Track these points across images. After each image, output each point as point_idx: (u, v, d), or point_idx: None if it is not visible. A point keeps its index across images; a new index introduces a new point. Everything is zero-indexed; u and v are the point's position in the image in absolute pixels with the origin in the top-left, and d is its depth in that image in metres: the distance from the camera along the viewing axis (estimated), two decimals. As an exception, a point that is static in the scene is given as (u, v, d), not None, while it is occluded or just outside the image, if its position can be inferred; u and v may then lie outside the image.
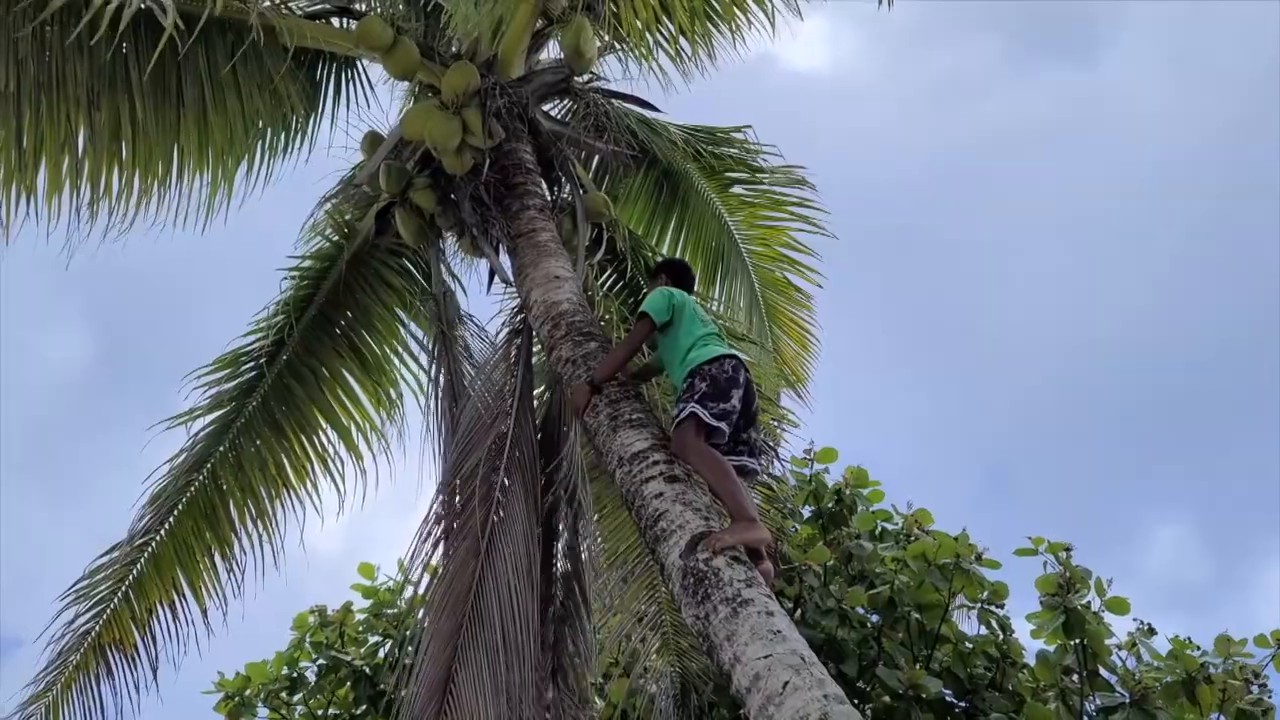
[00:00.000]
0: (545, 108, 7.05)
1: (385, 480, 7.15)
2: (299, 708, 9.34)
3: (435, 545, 5.76)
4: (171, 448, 6.87)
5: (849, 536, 8.32)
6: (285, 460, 7.06)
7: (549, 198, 6.65)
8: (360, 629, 9.46)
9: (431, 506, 6.07)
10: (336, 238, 7.09)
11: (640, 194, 7.96)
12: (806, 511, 8.74)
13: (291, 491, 7.08)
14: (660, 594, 7.02)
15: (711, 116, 7.95)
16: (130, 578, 6.72)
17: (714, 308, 7.73)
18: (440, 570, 5.70)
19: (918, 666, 7.36)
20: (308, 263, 7.07)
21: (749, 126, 7.86)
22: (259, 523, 6.99)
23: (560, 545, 6.20)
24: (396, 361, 7.27)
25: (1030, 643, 7.46)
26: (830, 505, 8.62)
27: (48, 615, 6.58)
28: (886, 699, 7.39)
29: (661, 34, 7.11)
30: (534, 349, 6.35)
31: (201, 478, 6.86)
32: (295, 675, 9.36)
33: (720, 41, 7.26)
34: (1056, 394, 29.43)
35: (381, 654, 9.19)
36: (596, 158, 7.52)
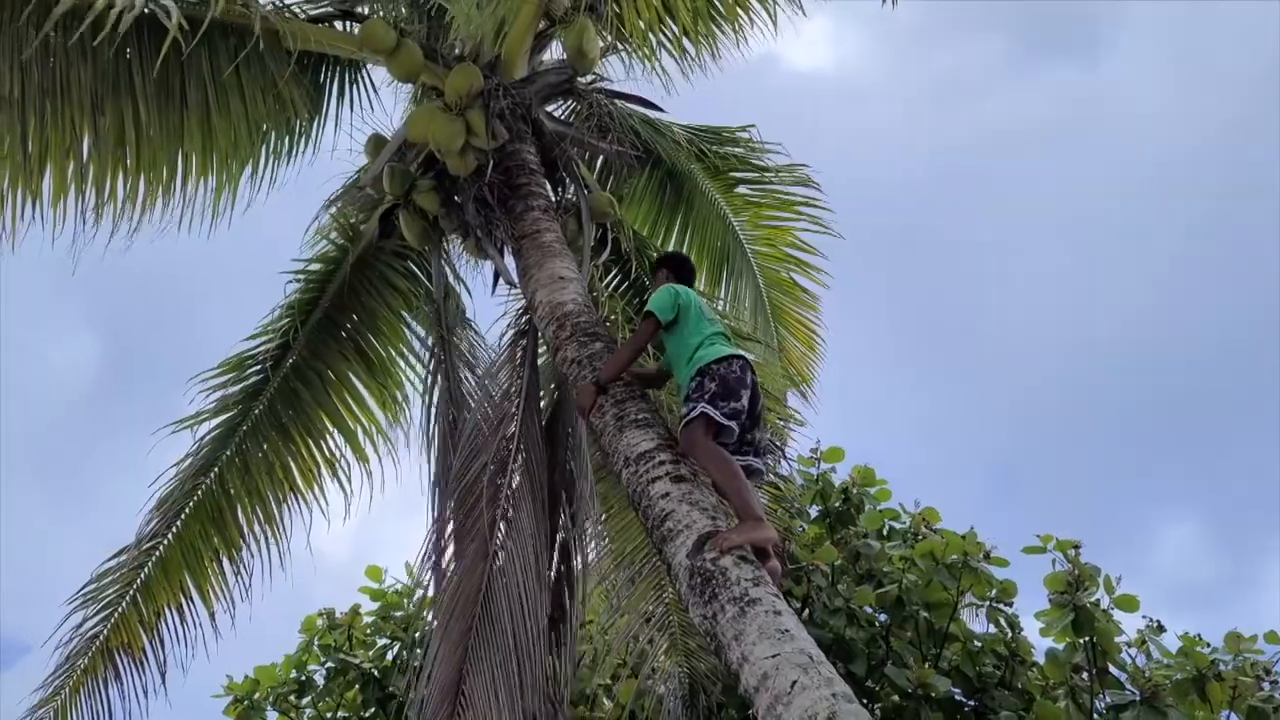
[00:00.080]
0: (549, 108, 7.05)
1: (392, 483, 7.17)
2: (307, 711, 9.35)
3: (444, 548, 5.76)
4: (177, 452, 6.89)
5: (856, 536, 8.31)
6: (292, 463, 7.06)
7: (553, 198, 6.65)
8: (368, 632, 9.46)
9: (437, 509, 6.08)
10: (341, 241, 7.10)
11: (645, 194, 7.96)
12: (814, 511, 8.73)
13: (298, 495, 7.09)
14: (668, 594, 7.01)
15: (715, 117, 7.95)
16: (138, 581, 6.74)
17: (719, 308, 7.71)
18: (449, 572, 5.69)
19: (926, 665, 7.35)
20: (313, 266, 7.08)
21: (753, 126, 7.85)
22: (266, 526, 7.00)
23: (556, 543, 6.19)
24: (402, 364, 7.28)
25: (1039, 641, 7.44)
26: (837, 504, 8.61)
27: (53, 621, 6.60)
28: (895, 698, 7.37)
29: (664, 34, 7.10)
30: (539, 350, 6.35)
31: (208, 481, 6.87)
32: (304, 678, 9.36)
33: (723, 41, 7.25)
34: (1057, 394, 29.45)
35: (390, 656, 9.20)
36: (600, 158, 7.52)
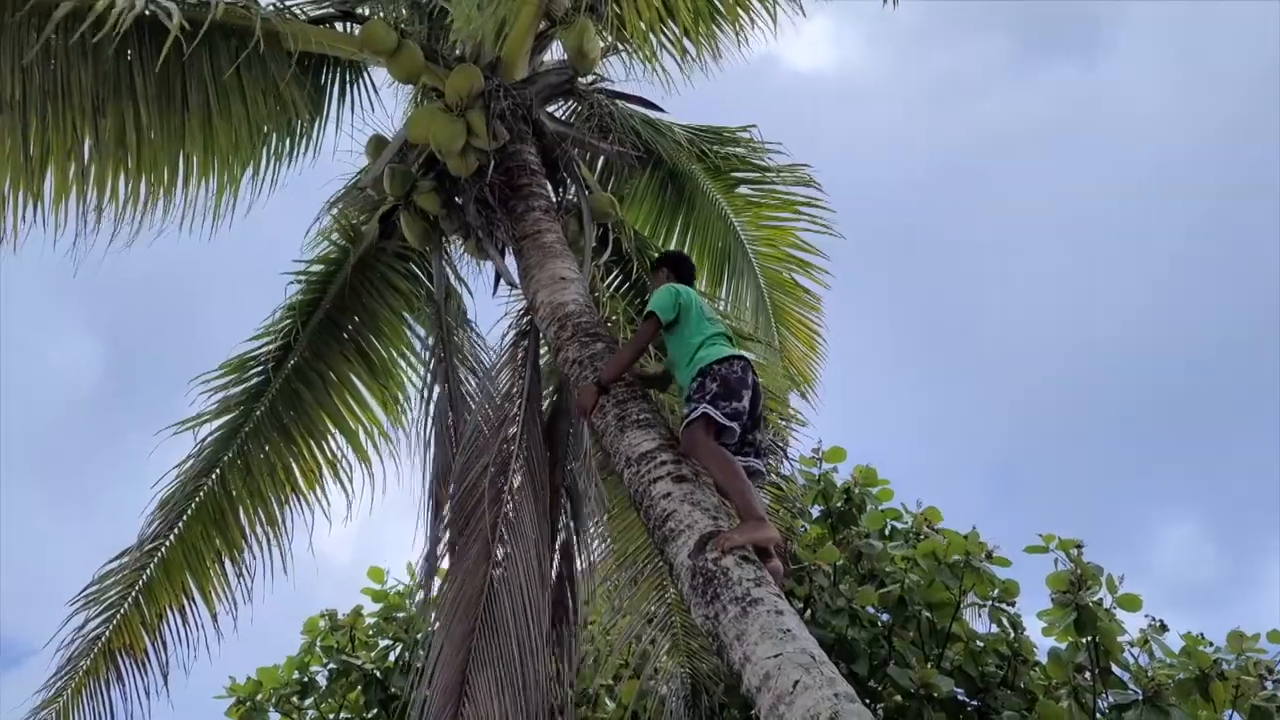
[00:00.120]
0: (549, 109, 7.05)
1: (394, 484, 7.17)
2: (310, 712, 9.34)
3: (446, 549, 5.76)
4: (179, 453, 6.91)
5: (858, 535, 8.30)
6: (294, 464, 7.07)
7: (554, 199, 6.65)
8: (371, 633, 9.46)
9: (437, 510, 6.07)
10: (342, 242, 7.11)
11: (646, 195, 7.96)
12: (815, 511, 8.71)
13: (300, 496, 7.10)
14: (670, 594, 7.00)
15: (715, 117, 7.95)
16: (140, 583, 6.74)
17: (720, 308, 7.71)
18: (451, 573, 5.69)
19: (929, 665, 7.34)
20: (314, 267, 7.08)
21: (754, 126, 7.84)
22: (268, 528, 7.00)
23: (558, 544, 6.19)
24: (404, 365, 7.28)
25: (1042, 640, 7.43)
26: (839, 504, 8.60)
27: (55, 622, 6.61)
28: (898, 698, 7.36)
29: (665, 35, 7.10)
30: (541, 351, 6.35)
31: (210, 483, 6.88)
32: (306, 680, 9.35)
33: (724, 42, 7.25)
34: (1057, 394, 29.44)
35: (392, 658, 9.20)
36: (601, 159, 7.52)
